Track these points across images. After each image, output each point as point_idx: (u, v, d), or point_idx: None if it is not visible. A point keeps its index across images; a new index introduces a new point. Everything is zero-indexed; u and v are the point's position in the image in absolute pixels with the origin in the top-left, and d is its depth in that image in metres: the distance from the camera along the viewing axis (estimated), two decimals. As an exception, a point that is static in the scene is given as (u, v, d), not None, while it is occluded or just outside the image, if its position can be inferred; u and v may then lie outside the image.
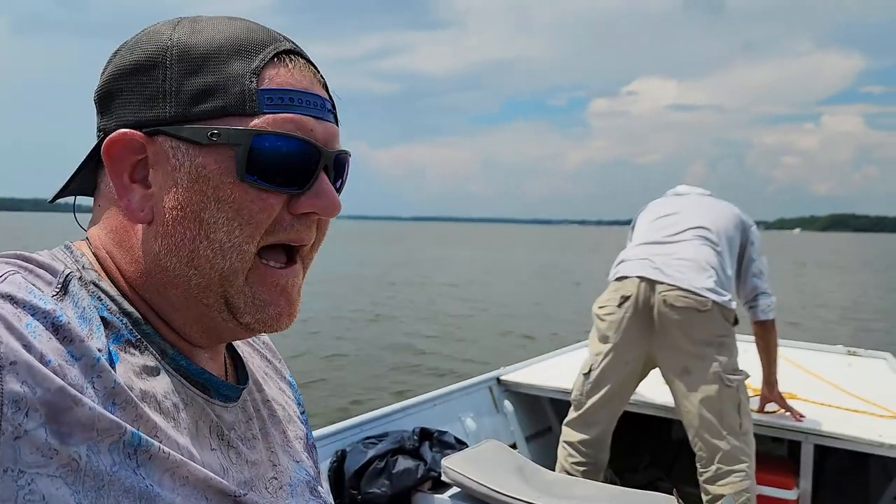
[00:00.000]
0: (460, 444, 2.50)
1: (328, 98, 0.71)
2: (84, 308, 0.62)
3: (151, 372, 0.65)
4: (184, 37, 0.67)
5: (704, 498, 2.64)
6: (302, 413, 0.92)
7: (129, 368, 0.63)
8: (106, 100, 0.69)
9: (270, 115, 0.65)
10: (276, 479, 0.75)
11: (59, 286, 0.62)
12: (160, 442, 0.60)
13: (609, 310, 2.80)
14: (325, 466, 2.32)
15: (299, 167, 0.66)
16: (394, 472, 2.24)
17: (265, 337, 0.94)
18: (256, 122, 0.64)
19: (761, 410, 2.97)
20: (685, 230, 2.85)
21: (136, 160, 0.66)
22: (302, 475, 0.80)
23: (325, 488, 0.88)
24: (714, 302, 2.62)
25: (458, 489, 2.18)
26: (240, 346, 0.86)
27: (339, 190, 0.74)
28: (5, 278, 0.59)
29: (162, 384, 0.65)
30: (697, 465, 2.67)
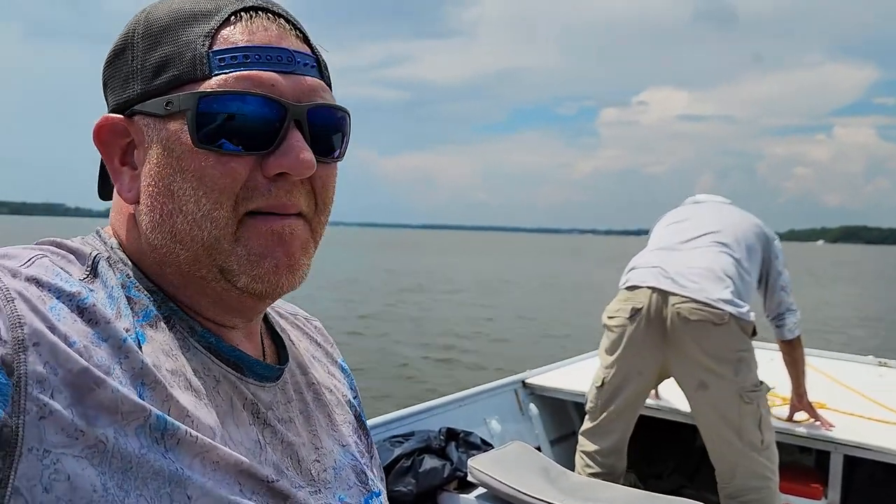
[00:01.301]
0: (486, 445, 2.51)
1: (308, 52, 0.67)
2: (112, 288, 0.63)
3: (180, 349, 0.64)
4: (150, 13, 0.67)
5: None
6: (355, 397, 0.89)
7: (158, 347, 0.62)
8: (104, 91, 0.70)
9: (223, 76, 0.62)
10: (318, 461, 0.73)
11: (89, 268, 0.63)
12: (190, 424, 0.59)
13: (619, 321, 2.70)
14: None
15: (260, 125, 0.62)
16: (420, 470, 2.25)
17: (317, 322, 0.93)
18: (207, 85, 0.62)
19: (790, 419, 2.93)
20: (700, 236, 2.73)
21: (124, 144, 0.67)
22: (348, 459, 0.78)
23: (378, 474, 0.85)
24: (731, 314, 2.50)
25: (485, 489, 2.18)
26: (287, 328, 0.84)
27: (338, 150, 0.70)
28: (33, 262, 0.59)
29: (192, 362, 0.64)
30: (718, 479, 2.61)
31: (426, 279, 24.37)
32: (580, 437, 2.91)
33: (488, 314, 14.61)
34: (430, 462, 2.28)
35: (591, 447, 2.83)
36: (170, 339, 0.64)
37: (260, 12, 0.65)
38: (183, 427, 0.58)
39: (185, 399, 0.60)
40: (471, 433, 2.53)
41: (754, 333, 2.60)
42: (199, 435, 0.59)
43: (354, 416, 0.86)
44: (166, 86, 0.63)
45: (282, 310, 0.88)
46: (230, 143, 0.62)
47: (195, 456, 0.58)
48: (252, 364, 0.70)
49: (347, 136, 0.71)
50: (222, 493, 0.59)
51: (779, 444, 2.69)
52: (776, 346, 2.96)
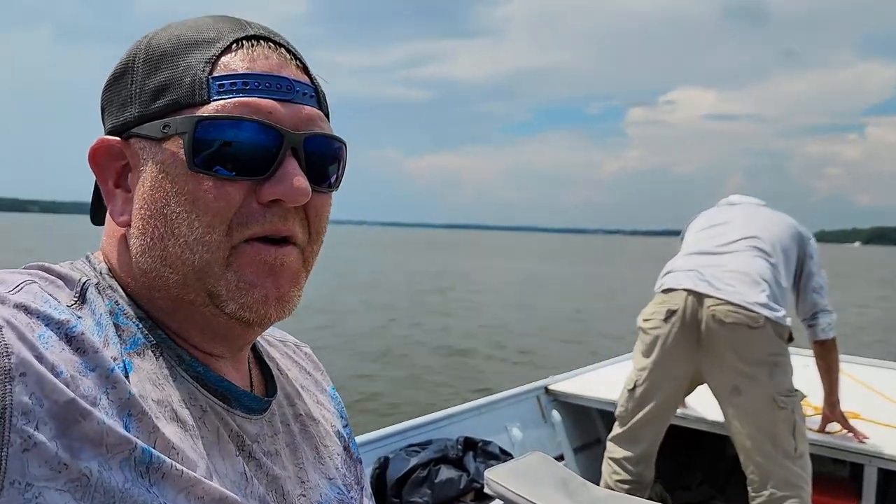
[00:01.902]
0: (505, 455, 2.45)
1: (308, 82, 0.68)
2: (101, 315, 0.61)
3: (167, 379, 0.63)
4: (152, 39, 0.67)
5: None
6: (345, 426, 0.88)
7: (145, 377, 0.61)
8: (102, 114, 0.70)
9: (221, 101, 0.62)
10: (304, 495, 0.72)
11: (77, 294, 0.62)
12: (175, 457, 0.58)
13: (654, 323, 2.68)
14: (367, 473, 2.30)
15: (256, 152, 0.63)
16: (436, 481, 2.21)
17: (307, 348, 0.92)
18: (205, 110, 0.62)
19: (822, 430, 2.83)
20: (737, 240, 2.69)
21: (119, 166, 0.66)
22: (334, 493, 0.77)
23: (366, 503, 0.84)
24: (767, 318, 2.45)
25: (501, 502, 2.13)
26: (276, 357, 0.83)
27: (335, 180, 0.70)
28: (21, 288, 0.58)
29: (178, 392, 0.63)
30: (749, 488, 2.54)
31: (449, 280, 24.34)
32: (608, 444, 2.85)
33: (510, 318, 14.51)
34: (446, 473, 2.23)
35: (620, 454, 2.77)
36: (157, 368, 0.63)
37: (262, 41, 0.66)
38: (168, 461, 0.57)
39: (170, 431, 0.59)
40: (490, 442, 2.48)
41: (790, 339, 2.54)
42: (185, 469, 0.58)
43: (343, 448, 0.84)
44: (164, 109, 0.63)
45: (271, 337, 0.87)
46: (225, 168, 0.62)
47: (180, 491, 0.57)
48: (239, 395, 0.69)
49: (344, 166, 0.72)
50: None
51: (811, 456, 2.60)
52: (811, 352, 2.87)
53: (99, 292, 0.64)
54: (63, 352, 0.55)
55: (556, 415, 3.32)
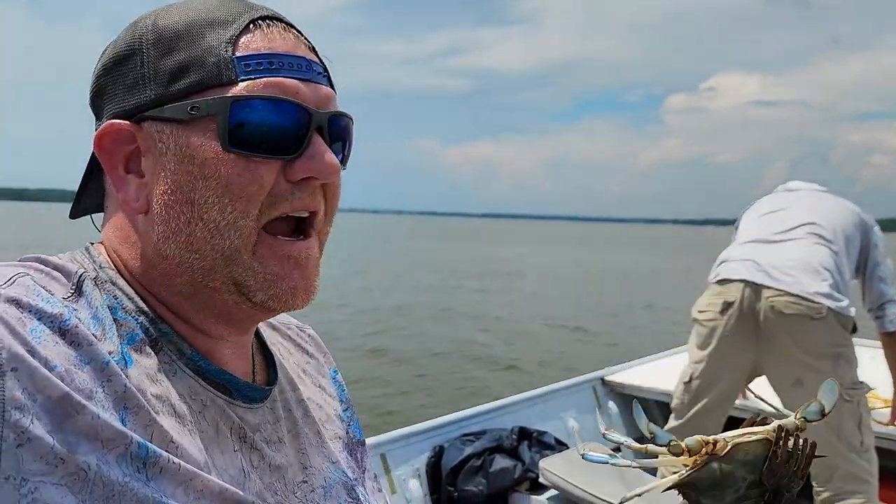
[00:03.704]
0: (560, 445, 2.44)
1: (317, 61, 0.68)
2: (97, 308, 0.61)
3: (167, 373, 0.62)
4: (158, 20, 0.65)
5: None
6: (346, 410, 0.87)
7: (143, 371, 0.60)
8: (96, 100, 0.68)
9: (250, 81, 0.62)
10: (306, 482, 0.71)
11: (74, 287, 0.61)
12: (173, 450, 0.57)
13: (710, 315, 2.59)
14: (423, 461, 2.32)
15: (288, 131, 0.63)
16: (491, 470, 2.21)
17: (310, 330, 0.91)
18: (235, 90, 0.61)
19: (892, 423, 2.73)
20: (796, 227, 2.58)
21: (128, 151, 0.64)
22: (337, 476, 0.76)
23: (370, 486, 0.84)
24: (829, 308, 2.36)
25: (556, 492, 2.12)
26: (279, 341, 0.83)
27: (344, 158, 0.70)
28: (14, 281, 0.57)
29: (178, 386, 0.62)
30: (813, 482, 2.47)
31: (491, 271, 24.19)
32: None
33: (559, 308, 14.37)
34: (500, 462, 2.23)
35: None
36: (156, 362, 0.62)
37: (275, 21, 0.66)
38: (165, 454, 0.56)
39: (168, 424, 0.59)
40: (545, 432, 2.47)
41: (854, 329, 2.45)
42: (182, 462, 0.57)
43: (346, 431, 0.84)
44: (187, 90, 0.62)
45: (274, 320, 0.86)
46: (259, 148, 0.61)
47: (178, 485, 0.56)
48: (240, 386, 0.68)
49: (351, 144, 0.72)
50: None
51: (878, 450, 2.51)
52: (878, 343, 2.77)
53: (97, 285, 0.63)
54: (57, 345, 0.54)
55: (612, 406, 3.29)
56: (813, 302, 2.37)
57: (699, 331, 2.67)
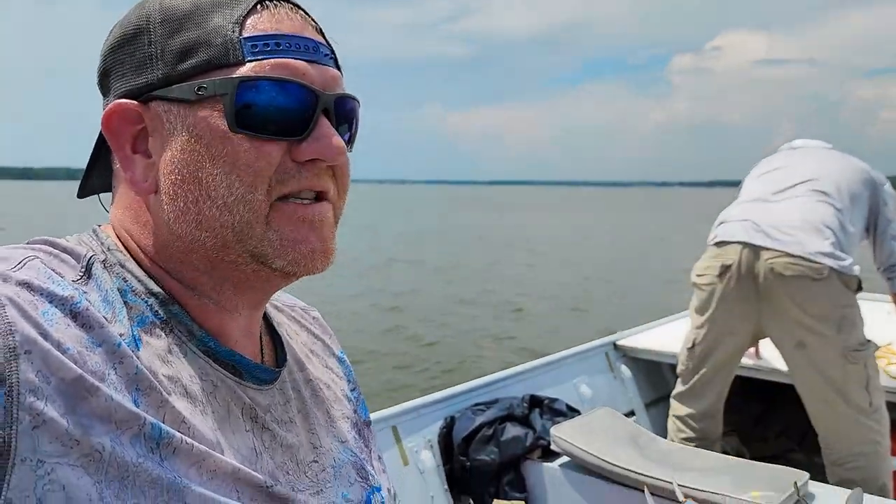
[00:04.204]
0: (572, 412, 2.42)
1: (324, 43, 0.68)
2: (107, 291, 0.61)
3: (177, 354, 0.63)
4: (164, 1, 0.65)
5: (831, 480, 2.41)
6: (353, 390, 0.88)
7: (153, 352, 0.61)
8: (104, 79, 0.68)
9: (257, 62, 0.63)
10: (316, 461, 0.72)
11: (83, 270, 0.61)
12: (185, 431, 0.58)
13: (708, 279, 2.54)
14: (434, 432, 2.32)
15: (295, 112, 0.64)
16: (502, 439, 2.20)
17: (315, 312, 0.92)
18: (244, 71, 0.62)
19: (908, 378, 2.70)
20: (796, 185, 2.50)
21: (135, 131, 0.65)
22: (347, 456, 0.77)
23: (377, 466, 0.85)
24: (831, 268, 2.29)
25: (568, 458, 2.11)
26: (284, 322, 0.84)
27: (350, 140, 0.71)
28: (24, 264, 0.58)
29: (189, 367, 0.63)
30: (821, 444, 2.44)
31: (501, 238, 24.13)
32: (672, 401, 2.79)
33: (568, 274, 14.33)
34: (512, 430, 2.22)
35: (684, 411, 2.71)
36: (166, 343, 0.63)
37: (283, 2, 0.67)
38: (178, 435, 0.57)
39: (180, 405, 0.59)
40: (556, 399, 2.45)
41: (859, 288, 2.39)
42: (195, 443, 0.58)
43: (353, 411, 0.85)
44: (194, 70, 0.63)
45: (280, 302, 0.88)
46: (266, 129, 0.63)
47: (192, 465, 0.58)
48: (251, 368, 0.69)
49: (358, 126, 0.73)
50: (220, 500, 0.58)
51: (890, 405, 2.48)
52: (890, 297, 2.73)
53: (106, 268, 0.64)
54: (69, 328, 0.55)
55: (625, 370, 3.27)
56: (814, 262, 2.31)
57: (698, 295, 2.63)
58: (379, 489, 0.80)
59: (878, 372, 2.44)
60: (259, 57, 0.63)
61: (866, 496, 2.23)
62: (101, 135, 0.68)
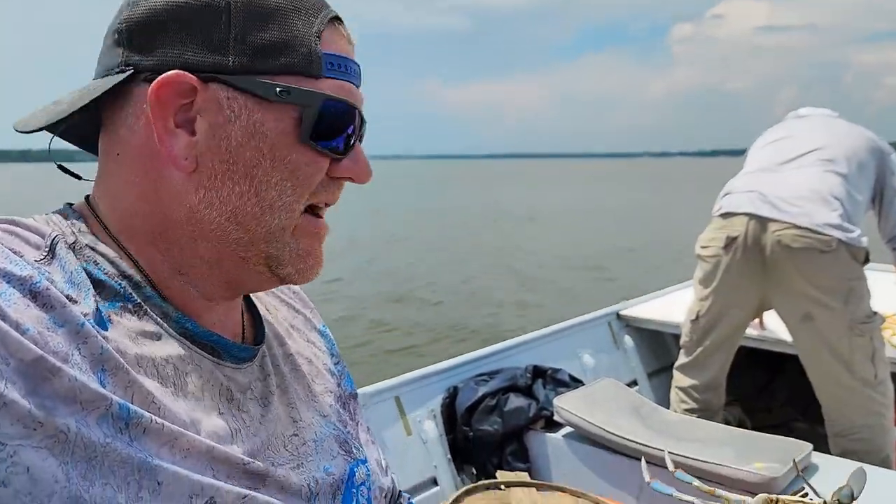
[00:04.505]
0: (575, 382, 2.42)
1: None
2: (72, 272, 0.59)
3: (151, 336, 0.62)
4: None
5: (833, 451, 2.42)
6: (336, 363, 0.88)
7: (124, 333, 0.59)
8: (147, 33, 0.63)
9: (332, 81, 0.65)
10: (297, 435, 0.72)
11: (47, 249, 0.59)
12: (155, 411, 0.57)
13: (713, 251, 2.51)
14: (437, 402, 2.32)
15: (348, 134, 0.67)
16: (505, 409, 2.20)
17: (296, 286, 0.90)
18: (323, 86, 0.65)
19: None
20: (803, 154, 2.46)
21: (180, 104, 0.62)
22: (329, 430, 0.77)
23: (364, 437, 0.85)
24: (840, 240, 2.27)
25: (571, 429, 2.11)
26: (263, 297, 0.83)
27: None
28: None
29: (163, 349, 0.62)
30: (825, 415, 2.44)
31: (501, 210, 24.04)
32: (675, 373, 2.79)
33: (571, 246, 14.30)
34: (515, 401, 2.22)
35: (687, 382, 2.71)
36: (138, 325, 0.62)
37: (343, 24, 0.69)
38: (148, 415, 0.56)
39: (150, 385, 0.58)
40: (559, 370, 2.45)
41: (867, 260, 2.36)
42: (166, 422, 0.57)
43: (337, 384, 0.85)
44: (272, 69, 0.63)
45: None
46: (328, 146, 0.66)
47: (163, 444, 0.56)
48: (229, 347, 0.68)
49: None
50: (195, 478, 0.57)
51: (895, 376, 2.47)
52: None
53: (72, 248, 0.62)
54: (28, 308, 0.53)
55: (628, 340, 3.27)
56: (822, 234, 2.27)
57: (703, 267, 2.60)
58: (364, 461, 0.79)
59: (884, 344, 2.43)
60: (332, 76, 0.65)
61: (869, 468, 2.24)
62: (101, 93, 0.63)
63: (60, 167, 0.72)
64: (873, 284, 2.45)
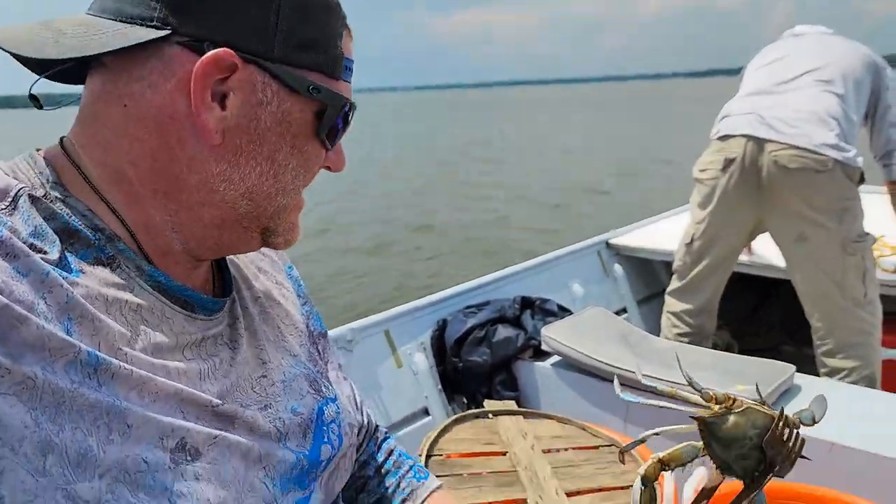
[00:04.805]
0: (563, 312, 2.44)
1: None
2: (38, 224, 0.58)
3: (122, 288, 0.61)
4: None
5: (821, 370, 2.47)
6: (304, 304, 0.88)
7: (96, 283, 0.59)
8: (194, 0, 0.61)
9: (346, 84, 0.70)
10: (265, 376, 0.72)
11: (11, 199, 0.58)
12: (123, 358, 0.56)
13: (711, 174, 2.51)
14: (427, 335, 2.34)
15: (342, 130, 0.72)
16: (494, 340, 2.22)
17: None
18: (340, 88, 0.68)
19: (899, 269, 2.71)
20: (801, 75, 2.43)
21: (215, 81, 0.62)
22: (299, 370, 0.77)
23: (334, 375, 0.86)
24: (836, 160, 2.27)
25: (559, 357, 2.14)
26: None
27: None
28: None
29: (134, 300, 0.61)
30: (814, 336, 2.47)
31: (491, 140, 23.77)
32: (667, 297, 2.81)
33: (560, 174, 14.22)
34: (503, 332, 2.24)
35: (679, 307, 2.73)
36: (110, 276, 0.61)
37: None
38: (116, 361, 0.56)
39: (119, 333, 0.58)
40: (547, 300, 2.46)
41: (862, 180, 2.37)
42: (134, 368, 0.57)
43: (306, 324, 0.85)
44: (306, 65, 0.66)
45: None
46: (332, 143, 0.71)
47: (132, 389, 0.56)
48: (202, 301, 0.68)
49: None
50: (165, 420, 0.57)
51: (884, 297, 2.50)
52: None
53: (39, 199, 0.60)
54: None
55: (618, 269, 3.28)
56: (819, 154, 2.28)
57: (700, 190, 2.61)
58: (334, 399, 0.79)
59: (875, 264, 2.44)
60: (346, 79, 0.69)
61: (855, 387, 2.28)
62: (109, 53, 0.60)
63: (32, 97, 0.67)
64: (865, 205, 2.45)
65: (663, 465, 0.73)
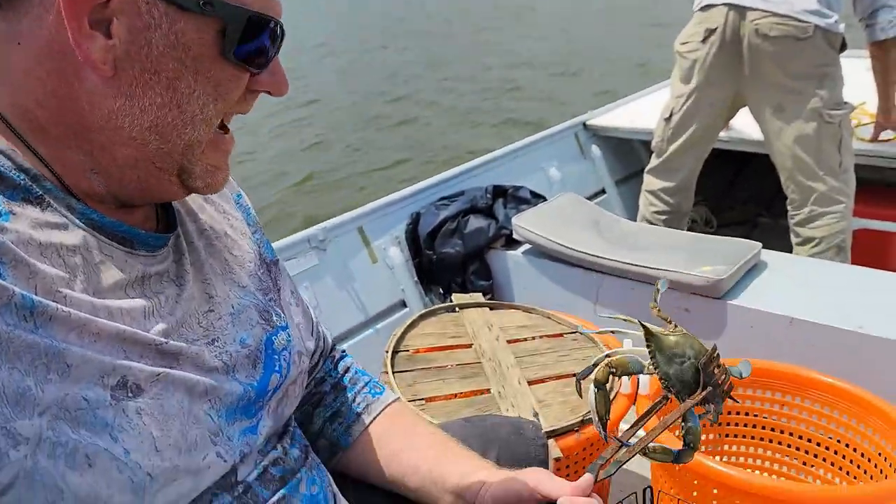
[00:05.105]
0: (537, 198, 2.44)
1: None
2: None
3: (56, 227, 0.60)
4: None
5: (794, 240, 2.50)
6: (255, 233, 0.86)
7: (27, 224, 0.58)
8: None
9: None
10: (212, 311, 0.71)
11: None
12: (61, 300, 0.56)
13: (692, 46, 2.46)
14: (401, 229, 2.35)
15: (269, 49, 0.66)
16: (465, 231, 2.24)
17: None
18: (249, 2, 0.62)
19: (875, 139, 2.69)
20: None
21: (95, 3, 0.57)
22: (248, 300, 0.76)
23: (286, 300, 0.85)
24: (817, 26, 2.22)
25: (530, 245, 2.16)
26: None
27: None
28: None
29: (69, 239, 0.60)
30: (789, 207, 2.49)
31: (450, 13, 22.83)
32: (646, 176, 2.80)
33: (529, 53, 13.78)
34: (475, 222, 2.25)
35: (657, 185, 2.73)
36: (41, 215, 0.60)
37: None
38: (53, 304, 0.55)
39: (55, 275, 0.57)
40: (520, 188, 2.46)
41: (843, 48, 2.33)
42: (73, 310, 0.57)
43: (257, 253, 0.84)
44: None
45: None
46: (251, 64, 0.65)
47: (71, 330, 0.56)
48: (141, 237, 0.67)
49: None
50: (106, 360, 0.58)
51: (861, 166, 2.50)
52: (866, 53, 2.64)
53: None
54: None
55: (595, 150, 3.25)
56: (799, 21, 2.23)
57: (681, 64, 2.56)
58: (285, 327, 0.80)
59: (851, 134, 2.43)
60: None
61: (819, 260, 2.33)
62: None
63: None
64: (845, 73, 2.41)
65: (611, 369, 0.78)
